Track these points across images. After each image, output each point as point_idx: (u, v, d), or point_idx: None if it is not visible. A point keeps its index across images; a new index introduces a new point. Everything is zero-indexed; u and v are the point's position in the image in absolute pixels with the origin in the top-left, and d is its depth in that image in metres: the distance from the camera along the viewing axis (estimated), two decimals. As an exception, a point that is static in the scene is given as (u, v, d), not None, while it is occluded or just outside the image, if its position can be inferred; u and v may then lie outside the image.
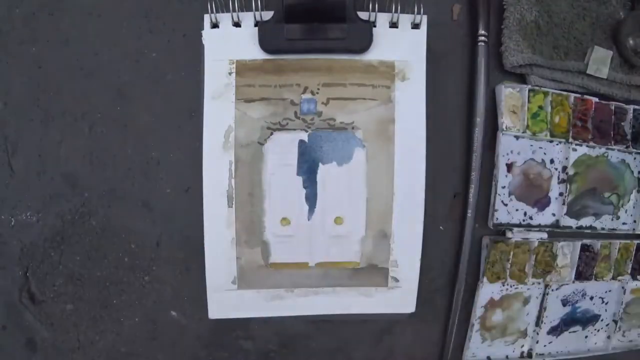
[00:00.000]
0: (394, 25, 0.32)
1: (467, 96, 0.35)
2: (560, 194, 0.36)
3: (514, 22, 0.34)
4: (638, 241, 0.38)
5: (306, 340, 0.36)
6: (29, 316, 0.35)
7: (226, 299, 0.33)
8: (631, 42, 0.35)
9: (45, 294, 0.35)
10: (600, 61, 0.35)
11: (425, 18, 0.32)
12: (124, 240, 0.35)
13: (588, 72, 0.35)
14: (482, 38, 0.34)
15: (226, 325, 0.36)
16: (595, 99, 0.36)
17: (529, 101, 0.34)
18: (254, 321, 0.35)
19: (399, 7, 0.32)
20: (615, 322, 0.39)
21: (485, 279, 0.35)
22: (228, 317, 0.34)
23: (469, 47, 0.35)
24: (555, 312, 0.37)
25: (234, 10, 0.31)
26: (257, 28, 0.32)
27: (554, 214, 0.36)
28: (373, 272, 0.34)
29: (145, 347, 0.36)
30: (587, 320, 0.39)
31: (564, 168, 0.36)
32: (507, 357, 0.37)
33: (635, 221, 0.38)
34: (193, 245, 0.34)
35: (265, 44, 0.32)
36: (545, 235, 0.36)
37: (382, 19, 0.32)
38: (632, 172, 0.38)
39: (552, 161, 0.36)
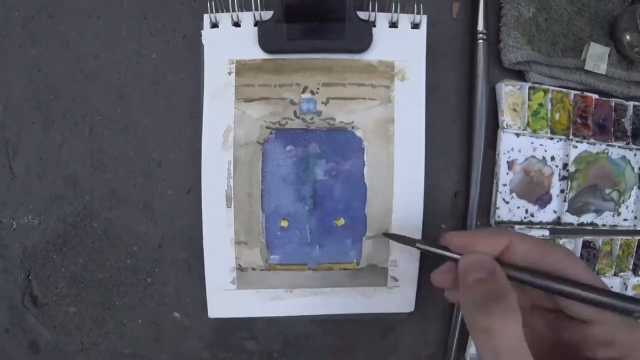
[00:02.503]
0: (393, 25, 0.32)
1: (467, 94, 0.35)
2: (562, 191, 0.36)
3: (512, 19, 0.34)
4: (639, 237, 0.38)
5: (310, 340, 0.36)
6: (31, 319, 0.35)
7: (226, 299, 0.33)
8: (628, 37, 0.35)
9: (48, 296, 0.35)
10: (597, 57, 0.35)
11: (425, 18, 0.32)
12: (125, 242, 0.35)
13: (586, 68, 0.35)
14: (481, 36, 0.34)
15: (229, 325, 0.36)
16: (595, 96, 0.36)
17: (529, 99, 0.34)
18: (257, 321, 0.35)
19: (398, 7, 0.32)
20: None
21: (487, 277, 0.35)
22: (227, 317, 0.34)
23: (469, 45, 0.35)
24: (557, 309, 0.38)
25: (233, 10, 0.31)
26: (256, 28, 0.32)
27: (555, 211, 0.36)
28: (372, 272, 0.34)
29: (149, 349, 0.36)
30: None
31: (565, 165, 0.36)
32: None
33: (636, 217, 0.38)
34: (195, 247, 0.34)
35: (265, 43, 0.32)
36: (546, 233, 0.36)
37: (382, 18, 0.32)
38: (633, 168, 0.38)
39: (552, 158, 0.36)
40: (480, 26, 0.34)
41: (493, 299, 0.20)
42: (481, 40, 0.34)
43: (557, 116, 0.35)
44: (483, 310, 0.20)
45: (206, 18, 0.32)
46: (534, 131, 0.35)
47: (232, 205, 0.33)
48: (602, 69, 0.35)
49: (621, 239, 0.38)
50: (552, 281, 0.21)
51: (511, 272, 0.22)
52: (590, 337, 0.21)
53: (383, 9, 0.32)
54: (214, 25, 0.32)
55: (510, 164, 0.35)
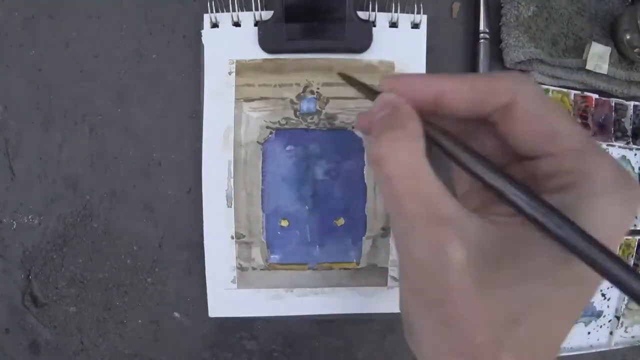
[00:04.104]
0: (393, 25, 0.32)
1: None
2: (562, 191, 0.36)
3: (511, 19, 0.34)
4: (639, 237, 0.38)
5: (310, 339, 0.36)
6: (32, 319, 0.35)
7: (226, 298, 0.33)
8: (628, 37, 0.35)
9: (48, 296, 0.35)
10: (598, 57, 0.35)
11: (425, 18, 0.32)
12: (126, 242, 0.35)
13: (587, 68, 0.35)
14: (484, 35, 0.34)
15: (229, 325, 0.36)
16: (595, 96, 0.36)
17: (529, 98, 0.34)
18: (257, 321, 0.35)
19: (398, 7, 0.32)
20: (618, 318, 0.39)
21: (487, 277, 0.35)
22: (227, 316, 0.34)
23: (469, 45, 0.35)
24: (557, 309, 0.37)
25: (233, 10, 0.31)
26: (256, 28, 0.32)
27: (555, 211, 0.36)
28: (372, 272, 0.34)
29: (149, 349, 0.36)
30: (590, 316, 0.39)
31: (565, 165, 0.36)
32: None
33: (636, 217, 0.38)
34: (195, 246, 0.34)
35: (265, 43, 0.32)
36: (546, 232, 0.36)
37: (382, 18, 0.32)
38: (633, 168, 0.38)
39: (553, 158, 0.36)
40: (482, 26, 0.34)
41: (386, 128, 0.18)
42: (483, 40, 0.34)
43: (557, 116, 0.35)
44: (375, 141, 0.18)
45: (206, 18, 0.32)
46: (534, 131, 0.35)
47: (233, 205, 0.33)
48: (604, 68, 0.35)
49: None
50: (483, 132, 0.19)
51: (431, 131, 0.19)
52: (538, 172, 0.19)
53: (383, 9, 0.32)
54: (214, 25, 0.32)
55: (511, 164, 0.35)
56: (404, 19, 0.32)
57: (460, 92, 0.19)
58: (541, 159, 0.19)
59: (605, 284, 0.38)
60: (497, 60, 0.35)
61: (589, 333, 0.39)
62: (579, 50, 0.35)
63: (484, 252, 0.17)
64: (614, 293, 0.39)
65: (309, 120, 0.33)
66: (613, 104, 0.37)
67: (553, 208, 0.16)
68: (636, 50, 0.34)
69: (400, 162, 0.18)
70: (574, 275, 0.17)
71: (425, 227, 0.17)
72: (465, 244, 0.17)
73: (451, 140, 0.19)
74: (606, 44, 0.35)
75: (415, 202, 0.17)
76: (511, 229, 0.18)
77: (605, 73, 0.35)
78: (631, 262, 0.38)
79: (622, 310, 0.39)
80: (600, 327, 0.39)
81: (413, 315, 0.19)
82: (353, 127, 0.33)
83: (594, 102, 0.36)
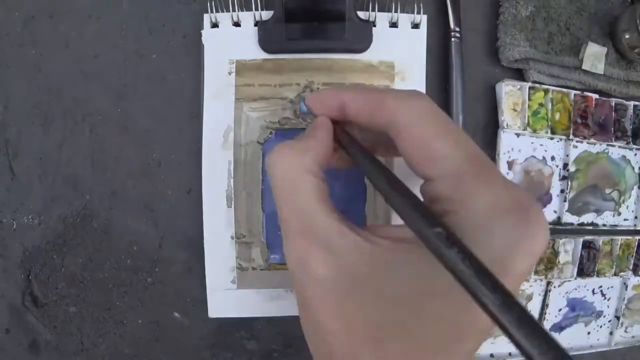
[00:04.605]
0: (393, 25, 0.32)
1: (466, 94, 0.35)
2: (562, 191, 0.36)
3: (509, 17, 0.34)
4: (639, 237, 0.38)
5: (309, 339, 0.36)
6: (32, 319, 0.35)
7: (226, 299, 0.33)
8: (627, 37, 0.35)
9: (48, 296, 0.35)
10: (595, 57, 0.35)
11: (425, 18, 0.32)
12: (126, 242, 0.35)
13: (583, 67, 0.35)
14: (454, 34, 0.34)
15: (230, 325, 0.36)
16: (595, 96, 0.36)
17: (529, 98, 0.34)
18: (257, 321, 0.35)
19: (398, 7, 0.32)
20: (618, 318, 0.39)
21: (487, 277, 0.35)
22: (228, 317, 0.34)
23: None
24: (557, 309, 0.38)
25: (233, 10, 0.31)
26: (256, 28, 0.32)
27: (555, 211, 0.36)
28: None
29: (149, 349, 0.36)
30: (590, 316, 0.39)
31: (565, 165, 0.36)
32: (510, 354, 0.38)
33: (636, 217, 0.38)
34: (195, 247, 0.34)
35: (265, 43, 0.32)
36: (546, 232, 0.36)
37: (382, 18, 0.32)
38: (633, 168, 0.38)
39: (553, 158, 0.36)
40: (452, 24, 0.34)
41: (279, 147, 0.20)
42: (454, 39, 0.34)
43: (557, 116, 0.35)
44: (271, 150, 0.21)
45: (206, 18, 0.32)
46: (534, 131, 0.35)
47: (233, 205, 0.33)
48: (600, 68, 0.35)
49: (621, 239, 0.38)
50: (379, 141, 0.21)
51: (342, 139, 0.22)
52: (425, 195, 0.19)
53: (383, 9, 0.32)
54: (214, 25, 0.32)
55: (511, 164, 0.35)
56: (404, 19, 0.32)
57: (357, 102, 0.21)
58: (427, 183, 0.19)
59: (606, 284, 0.38)
60: (497, 60, 0.35)
61: (589, 333, 0.39)
62: (576, 50, 0.35)
63: (353, 271, 0.17)
64: (614, 293, 0.39)
65: (309, 120, 0.33)
66: (613, 104, 0.37)
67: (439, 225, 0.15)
68: (636, 50, 0.34)
69: (282, 172, 0.19)
70: (444, 311, 0.16)
71: (295, 239, 0.18)
72: (332, 260, 0.17)
73: (355, 148, 0.21)
74: (604, 44, 0.35)
75: (290, 213, 0.19)
76: (391, 252, 0.18)
77: (602, 73, 0.35)
78: (631, 262, 0.38)
79: (622, 310, 0.39)
80: (600, 327, 0.39)
81: (300, 315, 0.20)
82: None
83: (594, 102, 0.36)
